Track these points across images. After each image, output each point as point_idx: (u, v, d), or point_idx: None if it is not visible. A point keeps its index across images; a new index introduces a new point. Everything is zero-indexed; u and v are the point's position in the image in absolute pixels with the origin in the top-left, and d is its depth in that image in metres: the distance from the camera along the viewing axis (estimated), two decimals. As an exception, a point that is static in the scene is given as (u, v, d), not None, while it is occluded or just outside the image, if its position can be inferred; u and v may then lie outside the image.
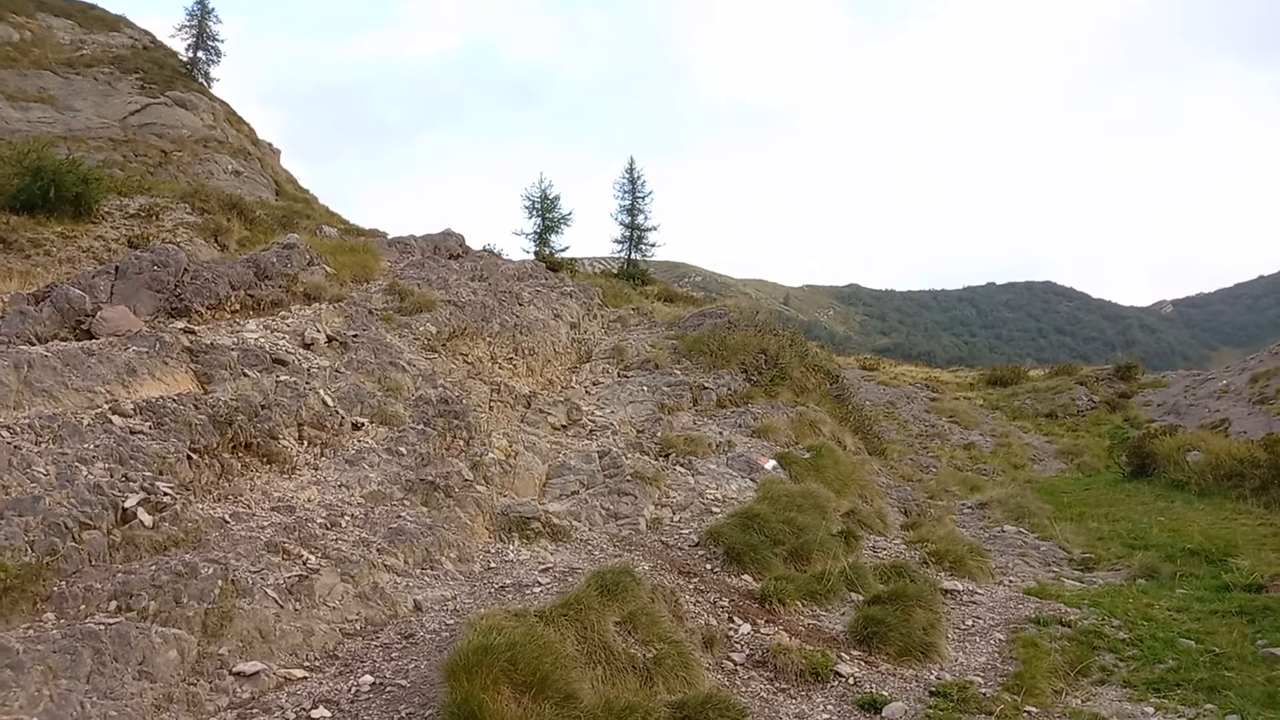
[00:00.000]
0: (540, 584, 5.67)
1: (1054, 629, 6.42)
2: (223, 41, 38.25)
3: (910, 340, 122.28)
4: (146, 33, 37.29)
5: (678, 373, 12.17)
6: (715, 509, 7.99)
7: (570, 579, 5.68)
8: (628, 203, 38.03)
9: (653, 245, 38.80)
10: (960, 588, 7.45)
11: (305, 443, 6.84)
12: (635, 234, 37.96)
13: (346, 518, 5.87)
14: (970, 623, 6.65)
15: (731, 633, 5.61)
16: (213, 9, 37.81)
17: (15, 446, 5.10)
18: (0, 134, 23.48)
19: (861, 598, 6.46)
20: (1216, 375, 23.89)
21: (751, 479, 9.02)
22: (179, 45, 37.27)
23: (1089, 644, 6.05)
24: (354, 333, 8.99)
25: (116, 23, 36.57)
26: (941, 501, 13.25)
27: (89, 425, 5.57)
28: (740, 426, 10.91)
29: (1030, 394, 25.82)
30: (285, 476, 6.38)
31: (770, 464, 9.41)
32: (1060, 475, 17.73)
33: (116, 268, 8.50)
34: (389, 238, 16.37)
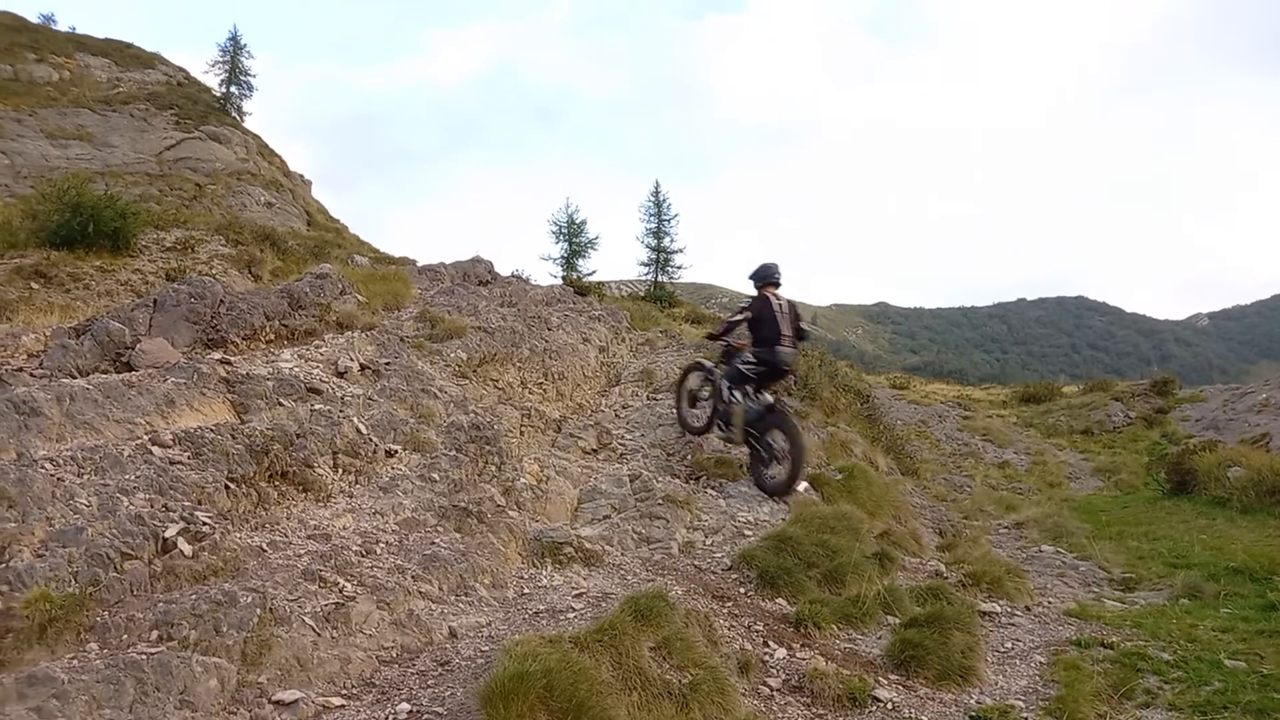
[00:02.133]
0: (574, 609, 5.67)
1: (1096, 651, 6.31)
2: (254, 76, 39.08)
3: (941, 358, 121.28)
4: (181, 69, 38.17)
5: (707, 395, 12.15)
6: (748, 532, 7.95)
7: (604, 604, 5.67)
8: (654, 225, 38.21)
9: (679, 268, 38.94)
10: (998, 609, 7.35)
11: (340, 470, 6.92)
12: (661, 257, 38.10)
13: (381, 545, 5.91)
14: (1009, 645, 6.56)
15: (767, 657, 5.56)
16: (245, 44, 38.67)
17: (58, 479, 5.21)
18: (40, 171, 24.11)
19: (898, 620, 6.39)
20: (1256, 389, 23.45)
21: (784, 501, 8.97)
22: (212, 81, 38.13)
23: (1132, 666, 5.93)
24: (386, 360, 9.09)
25: (152, 60, 37.48)
26: (977, 521, 13.09)
27: (129, 456, 5.67)
28: (771, 448, 10.85)
29: (1065, 411, 25.48)
30: (321, 504, 6.45)
31: (802, 486, 9.35)
32: (1098, 493, 17.46)
33: (155, 300, 8.67)
34: (419, 265, 16.55)
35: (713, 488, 9.10)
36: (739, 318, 9.12)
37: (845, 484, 9.75)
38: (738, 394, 8.93)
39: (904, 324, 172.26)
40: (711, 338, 9.85)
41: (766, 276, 9.15)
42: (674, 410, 10.55)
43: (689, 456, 9.78)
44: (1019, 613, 7.44)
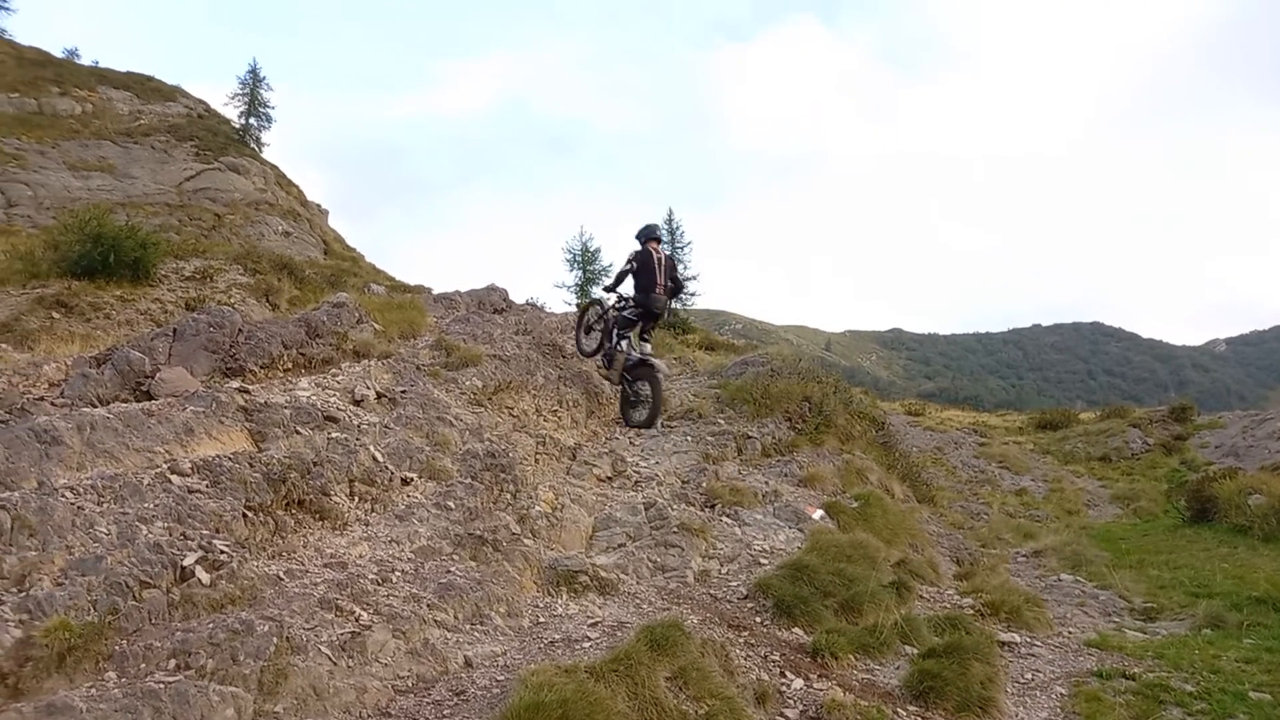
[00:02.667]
0: (589, 639, 5.65)
1: (1117, 682, 6.24)
2: (273, 108, 39.66)
3: (956, 384, 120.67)
4: (201, 101, 38.78)
5: (721, 422, 12.14)
6: (763, 560, 7.92)
7: (619, 633, 5.65)
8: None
9: (692, 294, 39.01)
10: (1018, 639, 7.28)
11: (356, 499, 6.94)
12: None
13: (397, 573, 5.92)
14: (1029, 676, 6.49)
15: (784, 688, 5.53)
16: (264, 77, 39.27)
17: (79, 507, 5.25)
18: (62, 202, 24.48)
19: (916, 651, 6.33)
20: (1275, 415, 23.23)
21: (799, 529, 8.93)
22: (232, 113, 38.71)
23: (1155, 698, 5.86)
24: (402, 388, 9.14)
25: (173, 93, 38.10)
26: (994, 550, 12.98)
27: (149, 485, 5.71)
28: (786, 476, 10.83)
29: (1082, 437, 25.27)
30: (337, 533, 6.47)
31: (818, 514, 9.32)
32: (1117, 521, 17.28)
33: (174, 330, 8.76)
34: (434, 293, 16.66)
35: (728, 515, 9.08)
36: (627, 267, 10.57)
37: (861, 512, 9.70)
38: (623, 343, 10.64)
39: (918, 350, 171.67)
40: (609, 289, 11.16)
41: (650, 234, 10.70)
42: (688, 437, 10.90)
43: (704, 484, 9.77)
44: (1039, 643, 7.36)
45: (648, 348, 10.49)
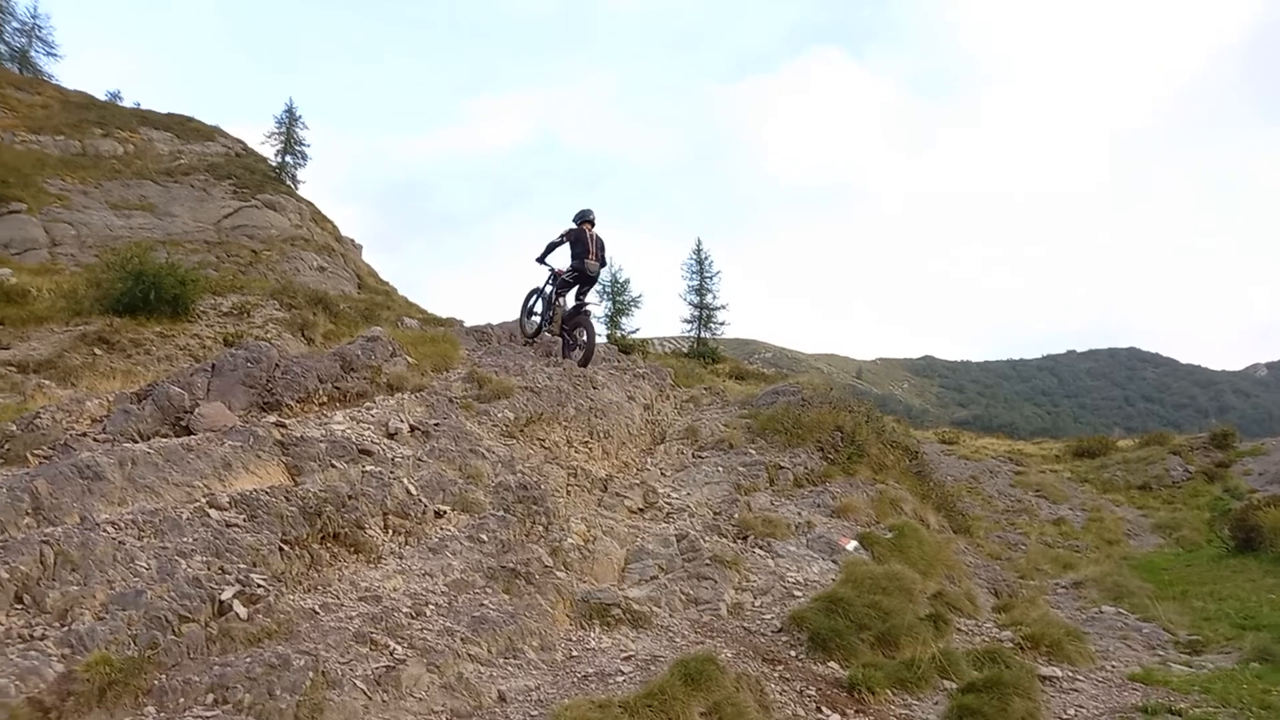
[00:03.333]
0: (623, 672, 5.62)
1: (1163, 718, 6.09)
2: (308, 146, 40.44)
3: (990, 412, 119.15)
4: (239, 141, 39.65)
5: (753, 452, 12.09)
6: (797, 593, 7.84)
7: (653, 667, 5.62)
8: (696, 283, 38.44)
9: (722, 324, 39.04)
10: (1059, 674, 7.13)
11: (390, 532, 6.99)
12: (704, 313, 38.24)
13: (431, 607, 5.94)
14: (1072, 712, 6.35)
15: (820, 723, 5.46)
16: (299, 116, 40.11)
17: (120, 542, 5.34)
18: (105, 241, 25.08)
19: (955, 685, 6.22)
20: (1322, 441, 22.68)
21: (833, 561, 8.85)
22: (269, 151, 39.52)
23: (1203, 734, 5.71)
24: (435, 421, 9.21)
25: (211, 133, 39.00)
26: (1033, 581, 12.75)
27: (188, 519, 5.80)
28: (819, 506, 10.74)
29: (1120, 465, 24.80)
30: (371, 566, 6.51)
31: (852, 545, 9.22)
32: (1159, 551, 16.91)
33: (213, 365, 8.92)
34: (466, 326, 16.81)
35: (761, 547, 9.01)
36: (559, 240, 12.30)
37: (896, 543, 9.59)
38: (561, 299, 12.54)
39: (951, 377, 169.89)
40: (539, 260, 12.67)
41: (584, 217, 12.34)
42: (720, 468, 10.95)
43: (736, 515, 9.72)
44: (1081, 677, 7.21)
45: (587, 324, 12.61)
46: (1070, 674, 7.21)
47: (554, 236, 12.45)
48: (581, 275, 12.29)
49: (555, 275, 12.59)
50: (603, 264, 12.58)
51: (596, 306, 39.00)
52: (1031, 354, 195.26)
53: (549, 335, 13.03)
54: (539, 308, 13.20)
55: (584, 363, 12.40)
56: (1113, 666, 7.83)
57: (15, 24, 46.27)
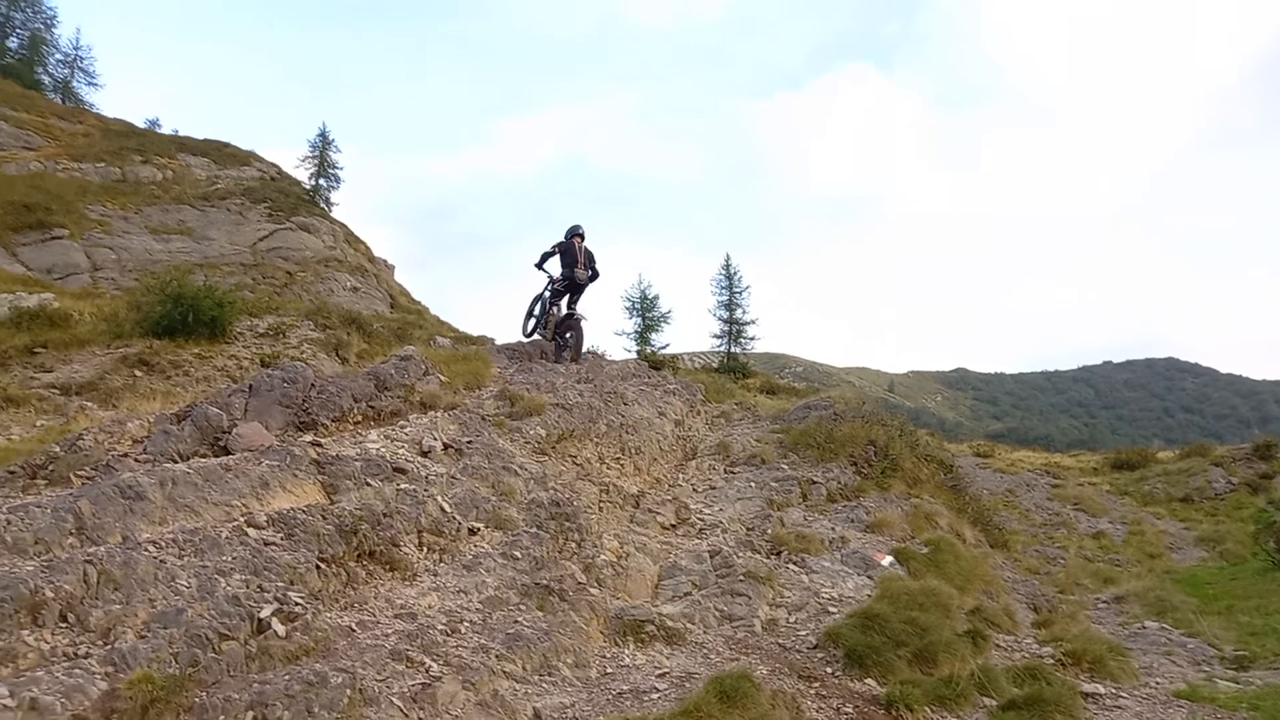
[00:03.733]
0: (658, 690, 5.61)
1: (1211, 736, 5.95)
2: (341, 169, 41.02)
3: (1025, 424, 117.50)
4: (274, 165, 40.34)
5: (785, 467, 12.04)
6: (832, 609, 7.78)
7: (688, 684, 5.60)
8: (725, 298, 38.41)
9: (752, 338, 38.93)
10: (1102, 691, 7.00)
11: (425, 549, 7.04)
12: (734, 328, 38.18)
13: (466, 624, 5.97)
14: (1116, 729, 6.23)
15: (857, 741, 5.40)
16: (332, 139, 40.72)
17: (160, 561, 5.43)
18: (144, 264, 25.60)
19: (995, 703, 6.13)
20: (1370, 451, 22.11)
21: (868, 576, 8.77)
22: (303, 174, 40.14)
23: (1252, 753, 5.58)
24: (468, 439, 9.27)
25: (247, 158, 39.72)
26: (1073, 596, 12.52)
27: (227, 538, 5.88)
28: (853, 521, 10.66)
29: (1161, 477, 24.33)
30: (406, 583, 6.56)
31: (887, 560, 9.14)
32: (1202, 564, 16.54)
33: (250, 386, 9.05)
34: (497, 344, 16.92)
35: (794, 563, 8.96)
36: (551, 251, 13.46)
37: (932, 558, 9.49)
38: (554, 307, 13.67)
39: (984, 390, 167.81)
40: (537, 266, 13.78)
41: (574, 231, 13.49)
42: (752, 483, 10.92)
43: (769, 531, 9.67)
44: (1125, 694, 7.07)
45: (579, 328, 13.80)
46: (1113, 691, 7.07)
47: (547, 247, 13.65)
48: (571, 283, 13.47)
49: (550, 282, 13.76)
50: (593, 274, 13.60)
51: (629, 321, 38.89)
52: (1066, 365, 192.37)
53: (542, 336, 14.18)
54: (537, 311, 14.29)
55: (574, 359, 13.73)
56: (1157, 683, 7.67)
57: (58, 56, 47.60)
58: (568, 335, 13.87)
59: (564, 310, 13.79)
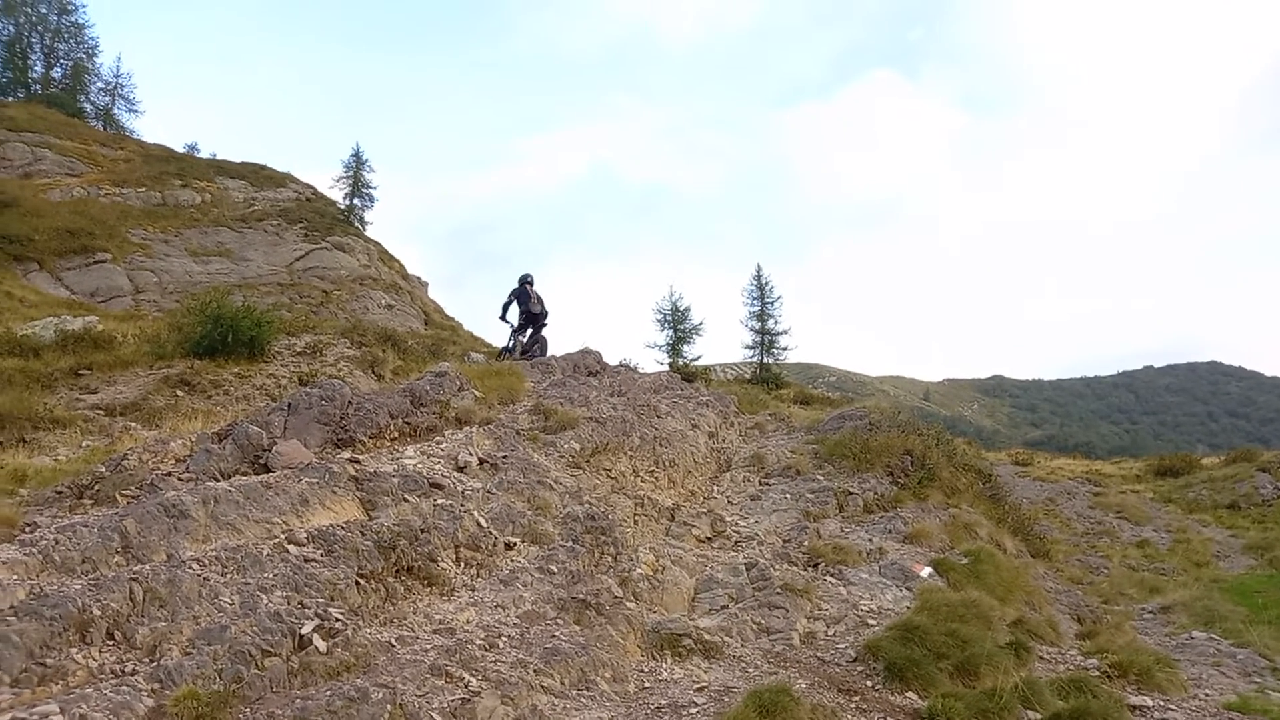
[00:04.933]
0: (696, 704, 5.59)
1: (1264, 750, 5.81)
2: (375, 188, 41.46)
3: (1065, 431, 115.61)
4: (309, 186, 40.92)
5: (820, 478, 11.97)
6: (871, 621, 7.71)
7: (726, 698, 5.58)
8: (757, 308, 38.21)
9: (784, 349, 38.67)
10: (1150, 703, 6.87)
11: (462, 564, 7.08)
12: (766, 339, 37.99)
13: (504, 638, 5.99)
14: (1165, 743, 6.10)
15: (899, 755, 5.34)
16: (366, 160, 41.22)
17: (204, 578, 5.52)
18: (184, 286, 26.08)
19: (1039, 716, 6.03)
20: None
21: (907, 588, 8.68)
22: (337, 194, 40.65)
23: (1308, 767, 5.44)
24: (503, 454, 9.33)
25: (283, 180, 40.35)
26: (1118, 606, 12.31)
27: (268, 555, 5.96)
28: (890, 532, 10.56)
29: (1206, 484, 23.83)
30: (444, 598, 6.60)
31: (926, 571, 9.04)
32: (1250, 573, 16.16)
33: (289, 404, 9.18)
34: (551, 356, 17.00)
35: (832, 575, 8.89)
36: (508, 300, 16.59)
37: (972, 569, 9.37)
38: (520, 336, 16.85)
39: (1022, 397, 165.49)
40: (500, 317, 16.95)
41: (524, 280, 16.61)
42: (787, 495, 10.87)
43: (805, 543, 9.61)
44: (1173, 707, 6.93)
45: (540, 344, 16.80)
46: (1161, 703, 6.93)
47: (505, 297, 16.82)
48: (530, 316, 16.66)
49: (514, 328, 17.11)
50: (544, 309, 16.89)
51: (660, 334, 39.17)
52: (1106, 370, 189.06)
53: (517, 358, 16.70)
54: (510, 344, 17.46)
55: (540, 358, 16.34)
56: (1206, 695, 7.51)
57: (100, 84, 48.74)
58: (535, 347, 16.94)
59: (529, 336, 17.01)
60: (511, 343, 17.56)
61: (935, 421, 18.62)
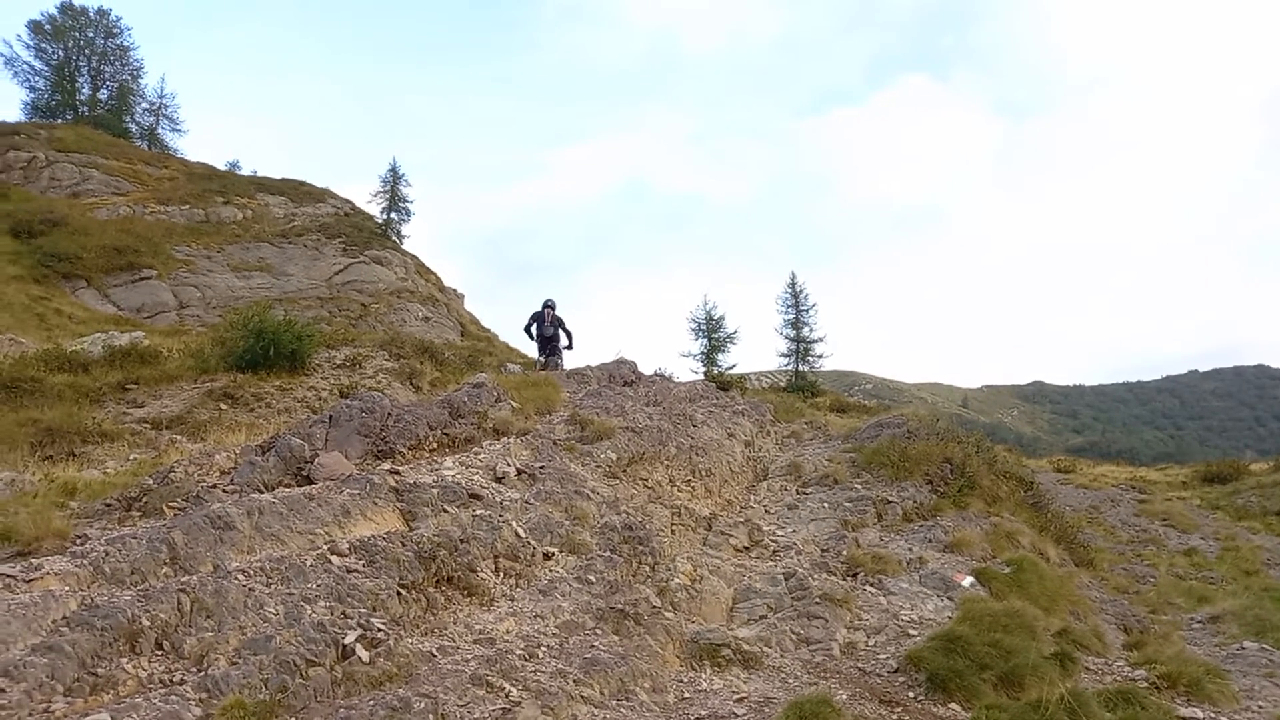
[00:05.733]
0: (736, 715, 5.57)
1: (1321, 764, 5.66)
2: (411, 202, 42.00)
3: (1107, 438, 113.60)
4: (347, 201, 41.55)
5: (858, 487, 11.88)
6: (912, 631, 7.63)
7: (766, 710, 5.56)
8: (791, 316, 38.13)
9: (820, 356, 38.52)
10: (1200, 715, 6.71)
11: (501, 574, 7.13)
12: (801, 347, 37.86)
13: (543, 648, 6.02)
14: (1217, 756, 5.97)
15: (943, 767, 5.28)
16: (403, 174, 41.77)
17: (249, 589, 5.61)
18: (227, 301, 26.57)
19: (1086, 728, 5.93)
20: None
21: (949, 597, 8.58)
22: (375, 209, 41.23)
23: (1368, 782, 5.28)
24: (541, 464, 9.38)
25: (322, 195, 41.01)
26: (1165, 616, 12.05)
27: (311, 566, 6.05)
28: (930, 541, 10.45)
29: (1255, 490, 23.29)
30: (484, 609, 6.65)
31: (967, 580, 8.93)
32: (1305, 582, 15.75)
33: (330, 416, 9.31)
34: (566, 370, 17.10)
35: (871, 584, 8.82)
36: (529, 321, 18.04)
37: (1014, 578, 9.24)
38: (541, 356, 18.39)
39: (1063, 403, 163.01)
40: (525, 330, 18.38)
41: (546, 304, 18.07)
42: (825, 504, 10.85)
43: (844, 552, 9.54)
44: (1224, 718, 6.78)
45: (555, 359, 18.34)
46: (1212, 715, 6.78)
47: (527, 319, 18.59)
48: (541, 339, 18.37)
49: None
50: (555, 332, 18.34)
51: (695, 343, 39.28)
52: (1149, 376, 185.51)
53: (541, 369, 18.47)
54: (538, 357, 19.39)
55: (577, 371, 17.90)
56: (1259, 707, 7.33)
57: (145, 104, 49.91)
58: (550, 362, 18.67)
59: (547, 355, 18.73)
60: (537, 357, 19.84)
61: (974, 429, 18.41)
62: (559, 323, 18.67)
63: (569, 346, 18.79)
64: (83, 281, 26.33)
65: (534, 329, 18.56)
